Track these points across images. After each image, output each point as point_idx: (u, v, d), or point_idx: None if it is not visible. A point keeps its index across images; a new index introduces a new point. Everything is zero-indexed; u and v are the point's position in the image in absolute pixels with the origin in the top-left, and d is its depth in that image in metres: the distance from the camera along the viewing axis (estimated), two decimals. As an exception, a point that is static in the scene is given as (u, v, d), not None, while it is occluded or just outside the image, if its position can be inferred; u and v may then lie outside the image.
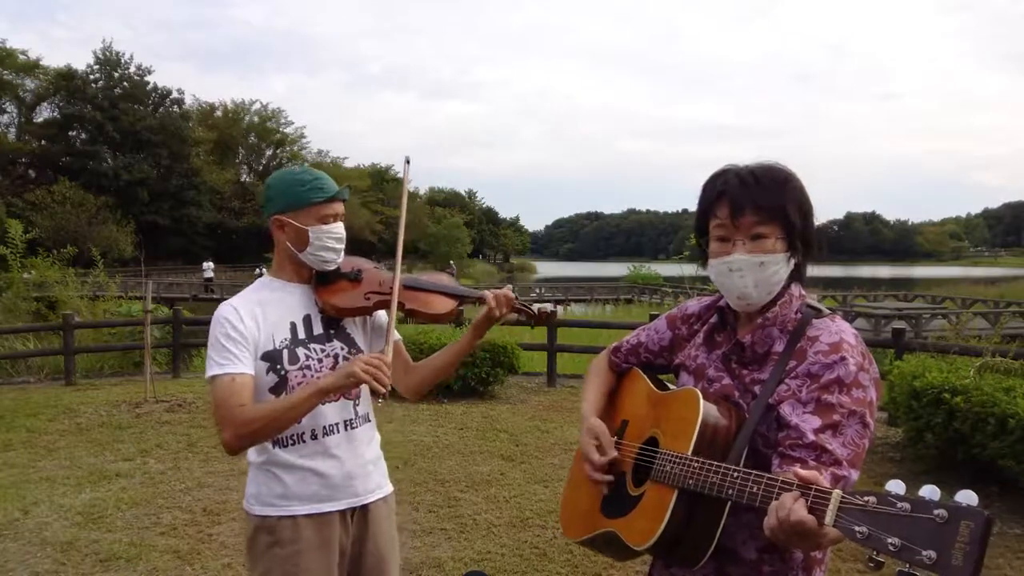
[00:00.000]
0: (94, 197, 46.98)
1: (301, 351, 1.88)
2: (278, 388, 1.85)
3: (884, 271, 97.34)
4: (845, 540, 1.06)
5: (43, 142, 55.87)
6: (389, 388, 1.73)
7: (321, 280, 1.96)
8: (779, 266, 1.40)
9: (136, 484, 5.29)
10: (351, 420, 1.94)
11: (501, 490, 5.18)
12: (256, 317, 1.86)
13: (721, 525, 1.30)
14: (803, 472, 1.11)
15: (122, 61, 57.91)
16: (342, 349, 1.94)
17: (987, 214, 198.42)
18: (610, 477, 1.51)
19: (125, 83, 57.67)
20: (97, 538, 4.29)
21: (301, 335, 1.90)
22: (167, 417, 7.34)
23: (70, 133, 56.43)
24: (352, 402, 1.95)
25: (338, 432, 1.90)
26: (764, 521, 1.13)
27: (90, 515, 4.65)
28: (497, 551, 4.13)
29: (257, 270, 41.23)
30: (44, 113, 57.69)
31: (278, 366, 1.85)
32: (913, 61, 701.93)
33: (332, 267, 1.94)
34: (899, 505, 0.97)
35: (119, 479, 5.40)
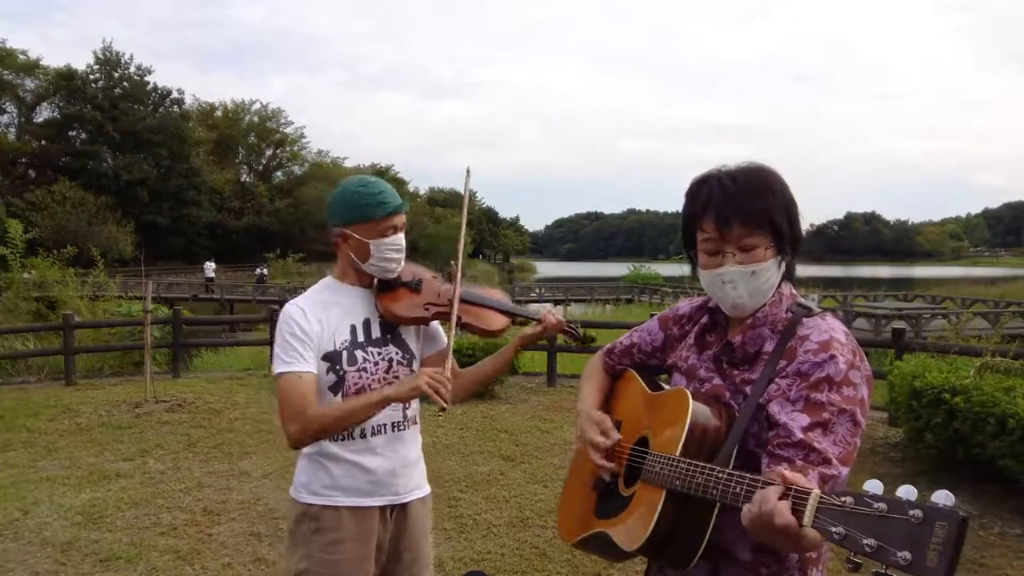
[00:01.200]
0: (94, 197, 47.07)
1: (359, 353, 1.98)
2: (336, 387, 1.95)
3: (884, 271, 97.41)
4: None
5: (43, 142, 55.97)
6: (449, 402, 1.82)
7: (382, 286, 2.04)
8: (770, 273, 1.40)
9: (136, 484, 5.30)
10: (399, 422, 2.04)
11: (501, 490, 5.18)
12: (320, 318, 1.94)
13: (710, 526, 1.30)
14: (787, 474, 1.11)
15: (122, 61, 58.03)
16: (396, 354, 2.04)
17: (987, 214, 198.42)
18: (613, 466, 1.51)
19: (125, 83, 57.74)
20: (97, 538, 4.29)
21: (360, 338, 1.99)
22: (167, 417, 7.35)
23: (70, 133, 56.52)
24: (403, 406, 2.03)
25: (385, 433, 2.00)
26: (744, 508, 1.13)
27: (90, 515, 4.66)
28: (497, 551, 4.13)
29: (258, 270, 41.26)
30: (44, 113, 57.84)
31: (337, 366, 1.94)
32: (913, 61, 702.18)
33: (393, 276, 2.03)
34: (876, 506, 0.97)
35: (119, 479, 5.41)
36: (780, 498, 1.08)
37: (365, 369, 1.97)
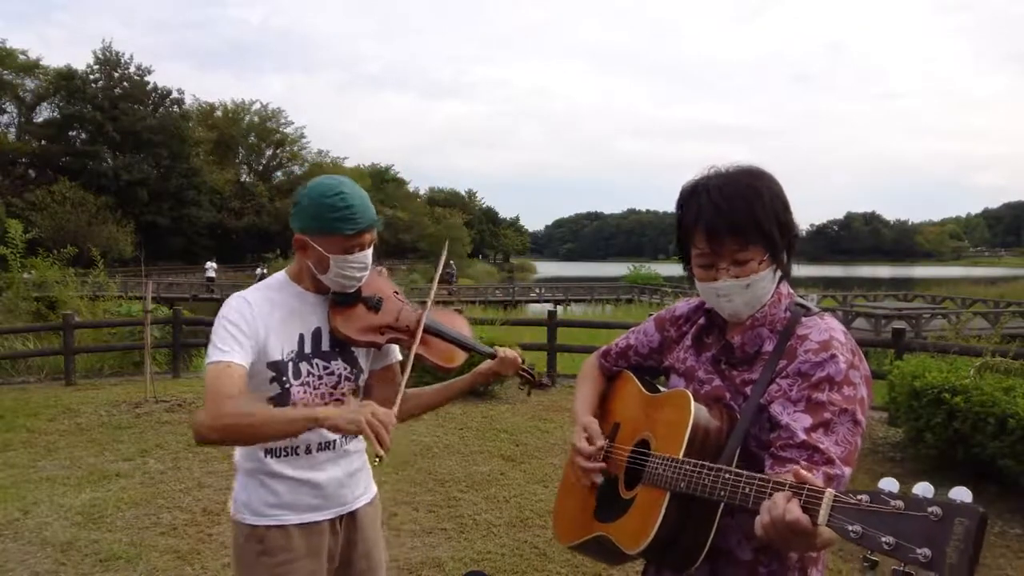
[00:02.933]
0: (94, 197, 47.00)
1: (304, 366, 1.84)
2: (279, 400, 1.81)
3: (884, 271, 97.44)
4: (839, 541, 1.05)
5: (43, 142, 55.90)
6: (388, 450, 1.58)
7: (338, 298, 1.87)
8: (765, 282, 1.40)
9: (136, 484, 5.30)
10: (345, 437, 1.91)
11: (501, 490, 5.18)
12: (266, 316, 1.79)
13: (714, 528, 1.30)
14: (803, 472, 1.10)
15: (122, 61, 57.94)
16: (345, 368, 1.90)
17: (987, 214, 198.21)
18: (601, 465, 1.51)
19: (125, 83, 57.65)
20: (97, 538, 4.29)
21: (307, 349, 1.85)
22: (167, 417, 7.35)
23: (70, 133, 56.45)
24: None
25: (332, 449, 1.90)
26: (756, 520, 1.12)
27: (90, 515, 4.66)
28: (497, 551, 4.13)
29: (259, 269, 41.23)
30: (44, 113, 57.72)
31: (283, 378, 1.81)
32: (913, 61, 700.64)
33: (352, 290, 1.86)
34: (893, 503, 0.96)
35: (119, 479, 5.41)
36: (788, 498, 1.08)
37: (308, 383, 1.83)
